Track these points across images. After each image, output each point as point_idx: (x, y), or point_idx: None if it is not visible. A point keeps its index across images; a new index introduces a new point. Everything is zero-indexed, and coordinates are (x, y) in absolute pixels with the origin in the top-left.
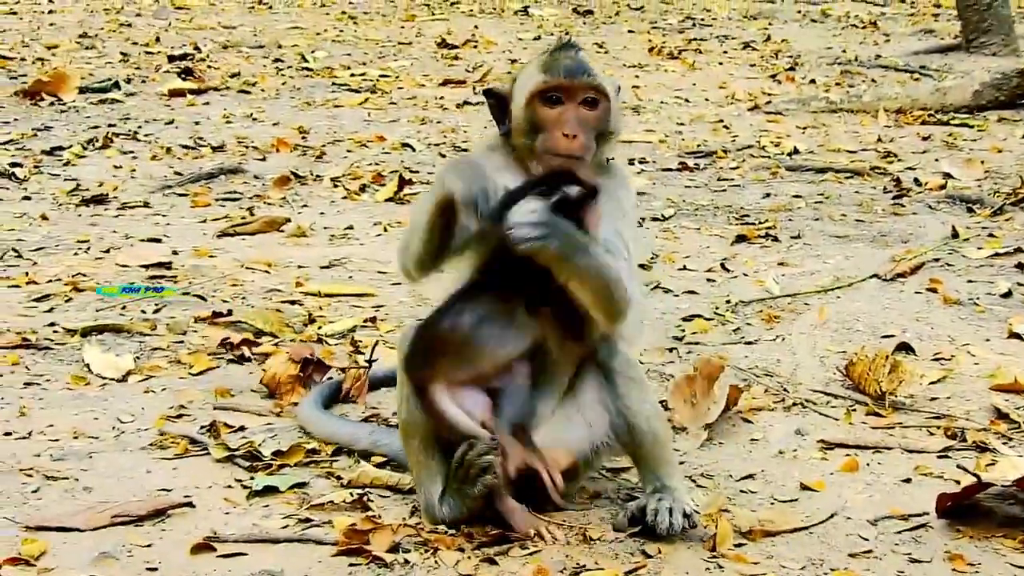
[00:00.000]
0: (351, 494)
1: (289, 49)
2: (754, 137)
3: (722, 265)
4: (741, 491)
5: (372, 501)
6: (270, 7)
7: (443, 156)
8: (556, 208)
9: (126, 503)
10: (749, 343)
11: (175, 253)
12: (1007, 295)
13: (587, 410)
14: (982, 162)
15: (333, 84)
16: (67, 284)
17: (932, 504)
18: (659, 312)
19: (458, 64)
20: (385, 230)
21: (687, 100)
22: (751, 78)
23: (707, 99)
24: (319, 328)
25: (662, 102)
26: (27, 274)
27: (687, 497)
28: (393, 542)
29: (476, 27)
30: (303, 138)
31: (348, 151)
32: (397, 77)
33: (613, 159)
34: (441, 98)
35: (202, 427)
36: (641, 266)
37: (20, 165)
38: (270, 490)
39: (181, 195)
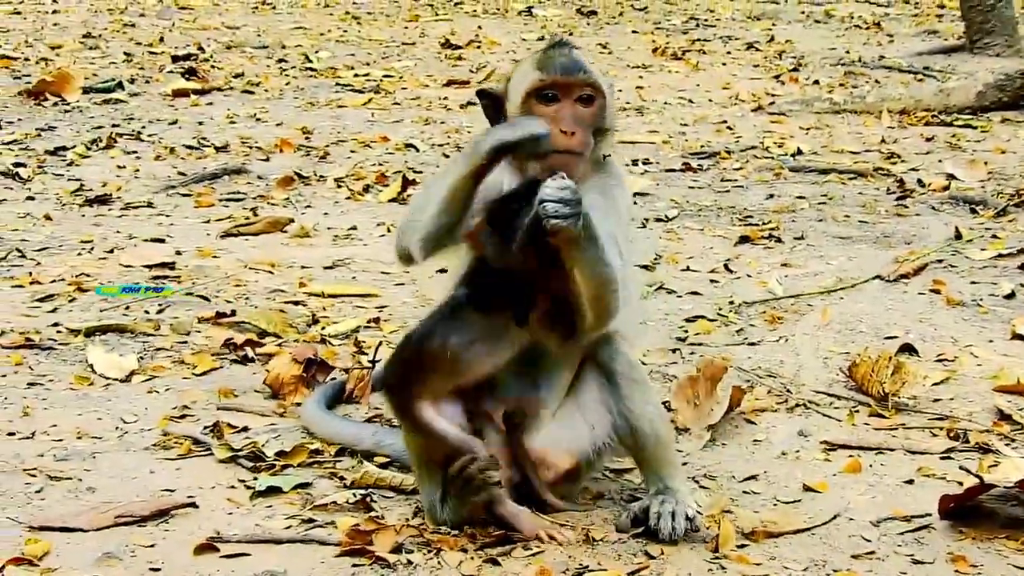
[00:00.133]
0: (354, 495)
1: (293, 49)
2: (758, 138)
3: (725, 266)
4: (744, 492)
5: (375, 502)
6: (274, 7)
7: (447, 156)
8: None
9: (129, 503)
10: (752, 344)
11: (179, 253)
12: (1010, 296)
13: (589, 412)
14: (985, 163)
15: (337, 84)
16: (71, 284)
17: (935, 505)
18: (662, 313)
19: (462, 64)
20: (389, 230)
21: (691, 101)
22: (755, 79)
23: (711, 100)
24: (322, 329)
25: (666, 103)
26: (31, 274)
27: (690, 499)
28: (396, 543)
29: (480, 27)
30: (307, 138)
31: (352, 151)
32: (401, 77)
33: (609, 156)
34: (445, 98)
35: (205, 427)
36: (644, 267)
37: (24, 165)
38: (273, 490)
39: (185, 195)
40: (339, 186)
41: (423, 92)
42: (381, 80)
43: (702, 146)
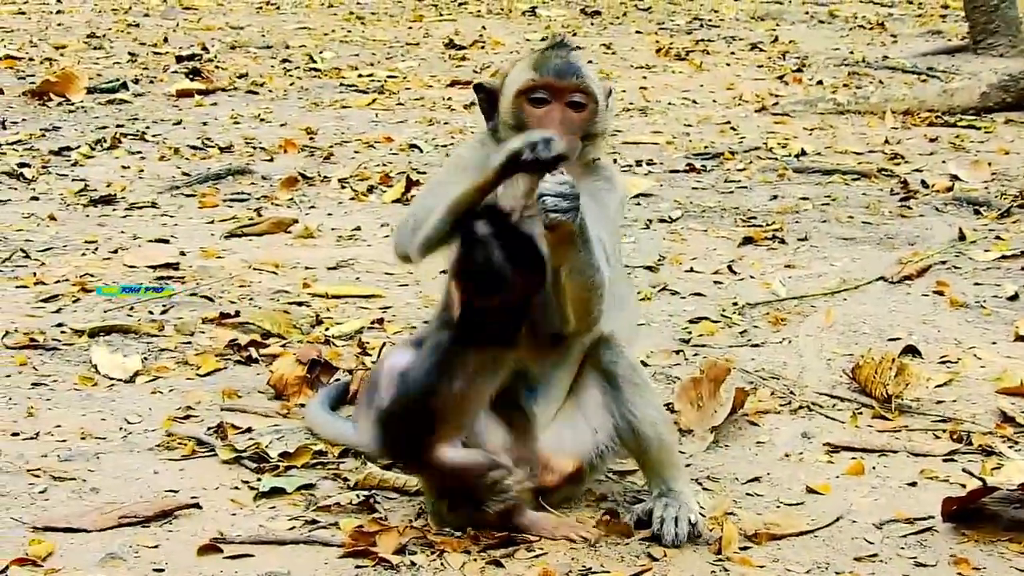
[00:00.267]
0: (358, 496)
1: (297, 50)
2: (761, 139)
3: (729, 267)
4: (747, 494)
5: (379, 503)
6: (278, 8)
7: (449, 157)
8: None
9: (133, 504)
10: (755, 345)
11: (183, 254)
12: (1014, 298)
13: (591, 415)
14: (989, 164)
15: (341, 85)
16: (75, 285)
17: (938, 508)
18: (666, 314)
19: (466, 65)
20: (393, 231)
21: (694, 101)
22: (758, 79)
23: (714, 100)
24: (326, 329)
25: (669, 103)
26: (35, 274)
27: (693, 502)
28: (400, 544)
29: (484, 28)
30: (311, 139)
31: (356, 152)
32: (405, 78)
33: (599, 159)
34: (449, 99)
35: (209, 428)
36: (648, 268)
37: (28, 165)
38: (277, 491)
39: (189, 196)
40: (343, 187)
41: (427, 92)
42: (385, 80)
43: (706, 147)
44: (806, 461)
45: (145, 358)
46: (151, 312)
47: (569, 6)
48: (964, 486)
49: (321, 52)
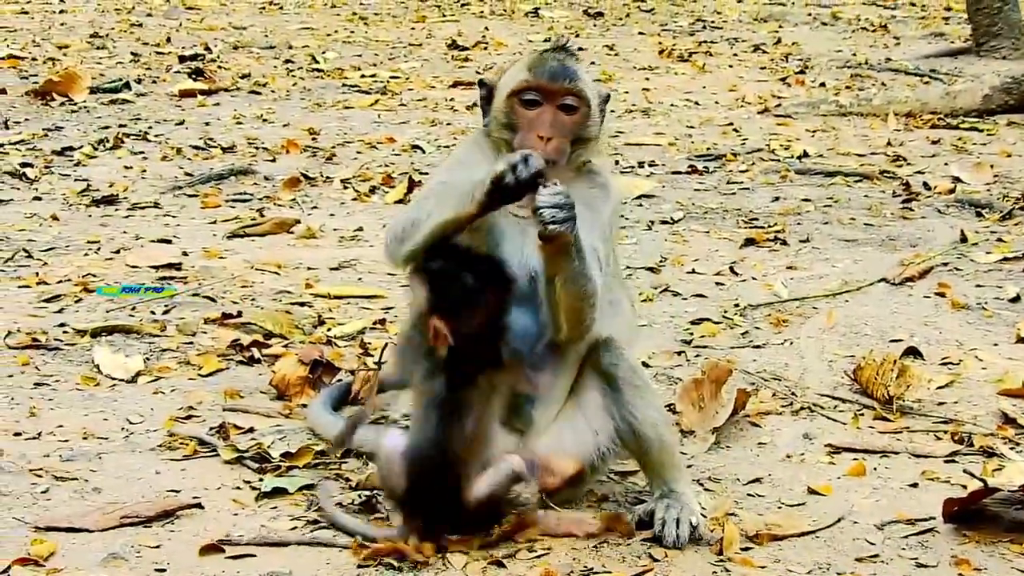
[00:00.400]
0: (360, 496)
1: (299, 50)
2: (763, 140)
3: (731, 269)
4: (748, 495)
5: (381, 503)
6: (281, 8)
7: None
8: None
9: (135, 504)
10: (757, 347)
11: (185, 254)
12: (1016, 300)
13: (592, 417)
14: (991, 166)
15: (343, 85)
16: (77, 285)
17: (939, 509)
18: (667, 315)
19: (468, 66)
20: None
21: (697, 103)
22: (761, 81)
23: (717, 102)
24: (328, 330)
25: (672, 105)
26: (37, 274)
27: (694, 503)
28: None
29: (487, 29)
30: (313, 139)
31: (358, 152)
32: (407, 78)
33: (590, 163)
34: (451, 100)
35: (211, 428)
36: (649, 269)
37: (31, 165)
38: (279, 492)
39: (191, 196)
40: (345, 187)
41: (430, 93)
42: (388, 81)
43: (708, 148)
44: (807, 462)
45: (147, 358)
46: (153, 312)
47: (572, 7)
48: (965, 487)
49: (324, 52)
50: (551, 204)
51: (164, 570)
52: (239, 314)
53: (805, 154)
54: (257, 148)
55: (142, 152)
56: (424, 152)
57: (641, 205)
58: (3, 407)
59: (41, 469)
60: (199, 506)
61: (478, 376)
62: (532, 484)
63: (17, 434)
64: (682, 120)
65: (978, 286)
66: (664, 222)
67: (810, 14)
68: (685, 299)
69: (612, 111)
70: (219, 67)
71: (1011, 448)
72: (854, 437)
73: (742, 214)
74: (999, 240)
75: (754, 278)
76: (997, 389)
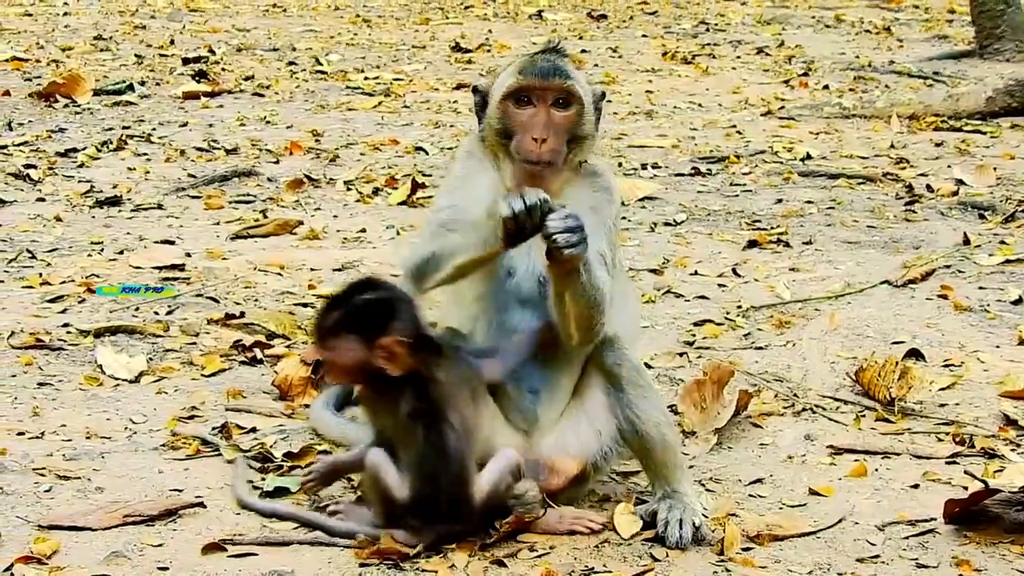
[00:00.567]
0: (361, 495)
1: (303, 52)
2: (767, 142)
3: (733, 270)
4: (750, 495)
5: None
6: (284, 10)
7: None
8: None
9: (138, 503)
10: (760, 348)
11: (188, 255)
12: (1018, 302)
13: (595, 417)
14: (994, 169)
15: (347, 87)
16: (80, 285)
17: (940, 510)
18: (670, 317)
19: (472, 68)
20: (398, 233)
21: (700, 105)
22: (764, 83)
23: (720, 104)
24: None
25: (675, 107)
26: (41, 275)
27: (697, 503)
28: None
29: (490, 31)
30: (316, 141)
31: (361, 154)
32: (411, 81)
33: (586, 162)
34: (455, 102)
35: (214, 428)
36: (652, 271)
37: (35, 167)
38: (281, 491)
39: (195, 197)
40: (348, 189)
41: (433, 95)
42: (391, 83)
43: (711, 150)
44: (809, 463)
45: (150, 358)
46: (156, 313)
47: (576, 10)
48: (966, 488)
49: (327, 55)
50: (563, 229)
51: (166, 569)
52: (242, 315)
53: (808, 156)
54: (260, 150)
55: (146, 154)
56: (427, 154)
57: (644, 207)
58: (7, 407)
59: (44, 468)
60: (201, 505)
61: (416, 377)
62: (535, 484)
63: (20, 434)
64: (685, 122)
65: (980, 288)
66: (667, 224)
67: (814, 17)
68: (687, 301)
69: (615, 113)
70: (223, 69)
71: (1012, 450)
72: (855, 438)
73: (745, 216)
74: (1002, 243)
75: (757, 280)
76: (999, 391)
